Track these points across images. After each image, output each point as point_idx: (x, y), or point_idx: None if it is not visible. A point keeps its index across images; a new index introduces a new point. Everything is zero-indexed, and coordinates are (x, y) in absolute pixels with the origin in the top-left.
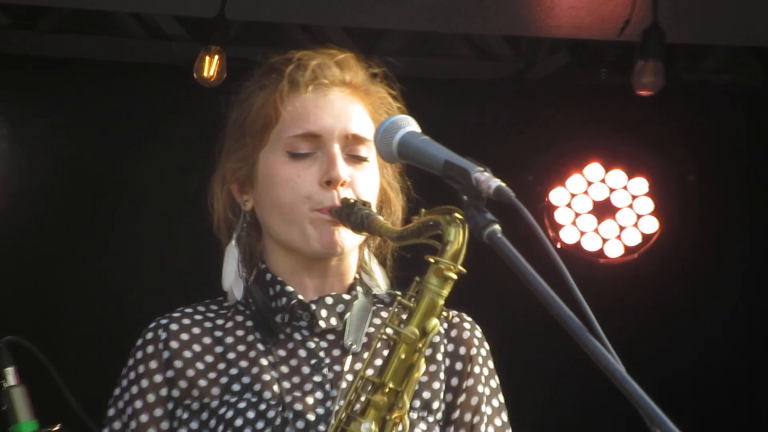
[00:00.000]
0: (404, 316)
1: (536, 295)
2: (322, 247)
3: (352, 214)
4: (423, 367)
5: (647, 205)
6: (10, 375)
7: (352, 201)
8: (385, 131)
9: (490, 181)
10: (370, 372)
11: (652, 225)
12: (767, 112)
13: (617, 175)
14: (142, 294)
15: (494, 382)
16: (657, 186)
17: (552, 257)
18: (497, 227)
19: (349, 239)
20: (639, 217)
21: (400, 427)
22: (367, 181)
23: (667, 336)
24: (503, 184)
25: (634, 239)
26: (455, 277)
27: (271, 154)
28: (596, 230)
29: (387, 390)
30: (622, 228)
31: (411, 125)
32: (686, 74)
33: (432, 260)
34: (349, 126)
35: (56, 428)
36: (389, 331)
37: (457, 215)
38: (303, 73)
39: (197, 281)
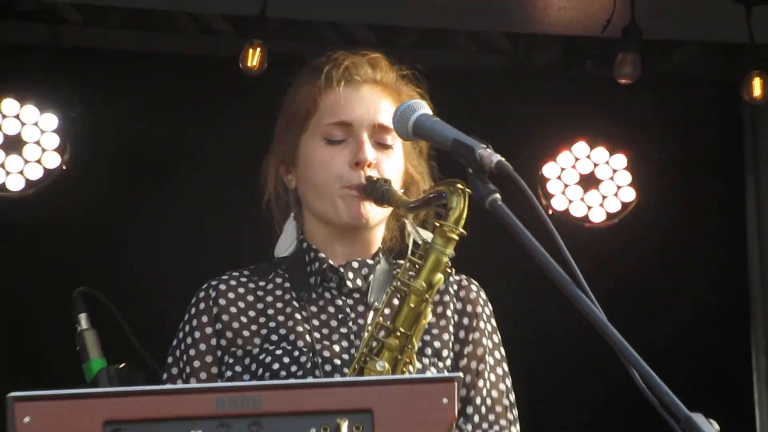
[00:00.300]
0: (413, 273)
1: (530, 254)
2: (350, 219)
3: (375, 190)
4: (429, 315)
5: (626, 177)
6: (83, 320)
7: (375, 178)
8: (402, 113)
9: (491, 156)
10: (384, 318)
11: (629, 195)
12: (729, 98)
13: (600, 152)
14: (195, 258)
15: (496, 337)
16: (634, 161)
17: (544, 222)
18: (497, 196)
19: (373, 213)
20: (619, 188)
21: (410, 367)
22: (391, 165)
23: (645, 292)
24: (503, 159)
25: (614, 207)
26: (457, 238)
27: (309, 139)
28: (582, 199)
29: (398, 334)
30: (604, 197)
31: (424, 108)
32: (660, 65)
33: (437, 224)
34: (377, 117)
35: (122, 366)
36: (401, 282)
37: (459, 186)
38: (338, 71)
39: (243, 248)
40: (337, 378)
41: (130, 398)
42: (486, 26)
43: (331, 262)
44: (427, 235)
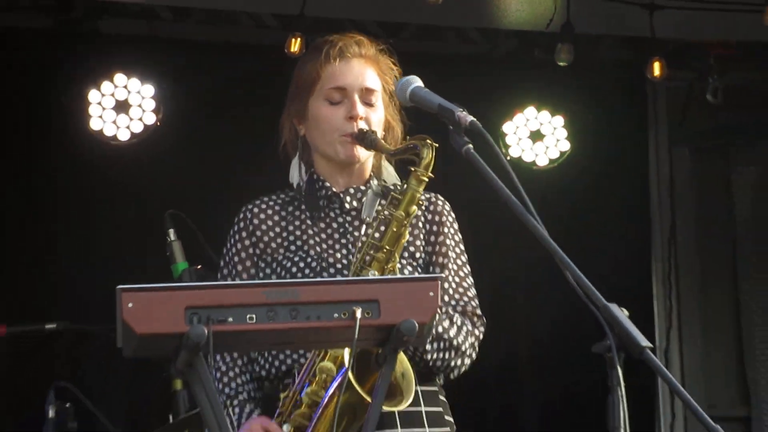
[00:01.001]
0: (394, 204)
1: (492, 188)
2: (346, 158)
3: (364, 138)
4: (408, 235)
5: (563, 133)
6: (171, 233)
7: (365, 130)
8: (402, 85)
9: (466, 117)
10: (375, 237)
11: (566, 146)
12: (637, 77)
13: (544, 115)
14: (252, 191)
15: (458, 238)
16: (569, 121)
17: (504, 165)
18: (471, 146)
19: (363, 154)
20: (558, 140)
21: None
22: (375, 117)
23: (575, 215)
24: (475, 119)
25: (554, 155)
26: (427, 180)
27: (315, 100)
28: (531, 148)
29: (385, 251)
30: (547, 147)
31: (418, 82)
32: (588, 52)
33: (412, 169)
34: (364, 82)
35: (199, 267)
36: (386, 213)
37: (428, 141)
38: (333, 50)
39: (274, 183)
40: (354, 278)
41: (205, 291)
42: (463, 23)
43: (334, 189)
44: (392, 172)
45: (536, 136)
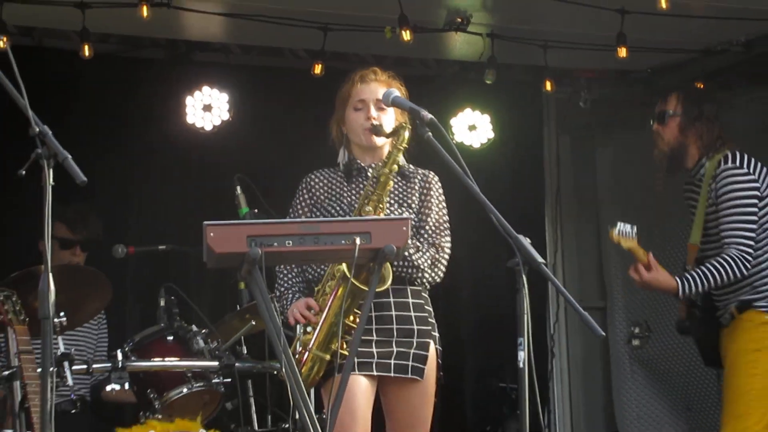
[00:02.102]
0: (383, 165)
1: (445, 161)
2: (367, 143)
3: (377, 129)
4: (391, 184)
5: (488, 125)
6: (238, 188)
7: (377, 125)
8: (386, 94)
9: (427, 115)
10: (371, 187)
11: (491, 134)
12: (537, 90)
13: (477, 114)
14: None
15: (441, 198)
16: (493, 119)
17: (451, 147)
18: (430, 134)
19: (378, 140)
20: (485, 131)
21: (382, 213)
22: (386, 119)
23: (494, 175)
24: (432, 117)
25: (485, 138)
26: (402, 148)
27: (349, 110)
28: (468, 136)
29: (377, 194)
30: (479, 135)
31: (396, 93)
32: (506, 74)
33: (393, 141)
34: (376, 96)
35: (255, 210)
36: (378, 171)
37: (405, 125)
38: (362, 76)
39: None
40: (355, 218)
41: (259, 225)
42: (425, 56)
43: (362, 164)
44: (401, 159)
45: (472, 127)
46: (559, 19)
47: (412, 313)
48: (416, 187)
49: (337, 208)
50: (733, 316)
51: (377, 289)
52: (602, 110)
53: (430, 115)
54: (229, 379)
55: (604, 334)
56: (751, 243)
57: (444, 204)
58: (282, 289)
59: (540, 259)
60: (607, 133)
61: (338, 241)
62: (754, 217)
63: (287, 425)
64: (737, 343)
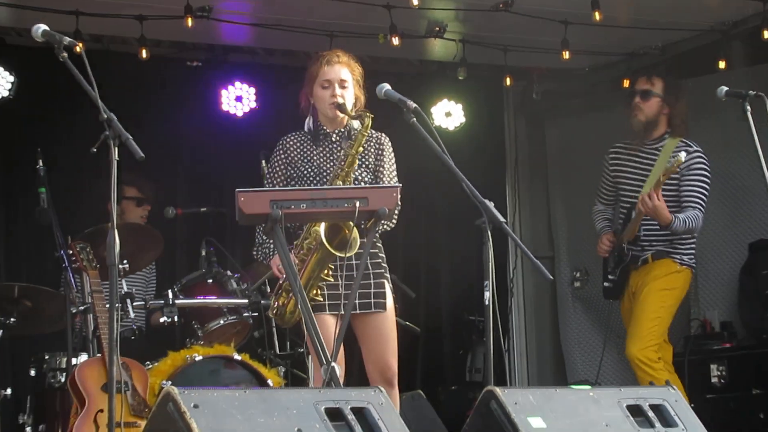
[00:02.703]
0: (351, 146)
1: (426, 142)
2: (333, 116)
3: (340, 107)
4: (357, 161)
5: (461, 113)
6: (263, 161)
7: (340, 102)
8: (379, 87)
9: (412, 104)
10: (341, 164)
11: (462, 119)
12: (500, 86)
13: (452, 104)
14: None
15: (392, 156)
16: (465, 107)
17: (432, 130)
18: (415, 119)
19: (339, 114)
20: (458, 116)
21: (348, 180)
22: (348, 95)
23: (468, 158)
24: (417, 105)
25: (458, 122)
26: (365, 135)
27: (317, 85)
28: (445, 120)
29: (345, 170)
30: (453, 119)
31: (388, 86)
32: (476, 72)
33: (357, 128)
34: (339, 76)
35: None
36: (348, 151)
37: (368, 114)
38: (327, 59)
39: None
40: (355, 185)
41: (280, 192)
42: (411, 57)
43: (327, 130)
44: (356, 124)
45: (447, 114)
46: (516, 29)
47: (369, 261)
48: (372, 150)
49: (308, 167)
50: (647, 261)
51: (348, 254)
52: (550, 100)
53: (414, 104)
54: (256, 313)
55: (552, 277)
56: (703, 213)
57: (394, 161)
58: (263, 237)
59: (501, 219)
60: (554, 117)
61: (342, 204)
62: (707, 193)
63: (301, 349)
64: (652, 282)
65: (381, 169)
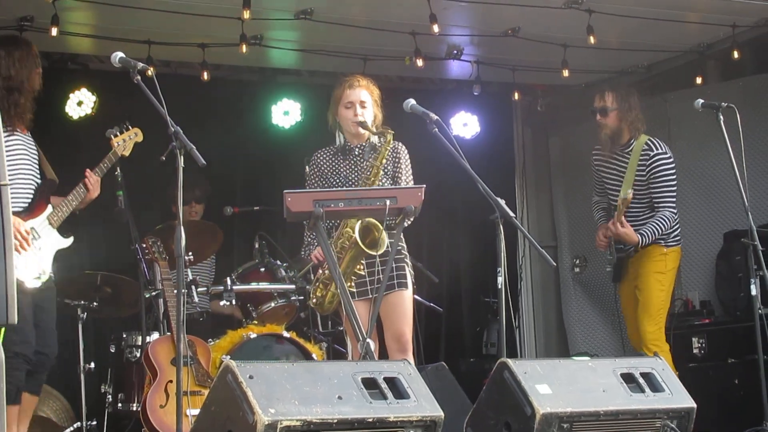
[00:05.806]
0: (375, 158)
1: (447, 149)
2: (355, 132)
3: (363, 124)
4: (382, 171)
5: (477, 123)
6: (307, 167)
7: (362, 121)
8: (406, 102)
9: (435, 116)
10: (367, 175)
11: (478, 129)
12: (508, 98)
13: (468, 115)
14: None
15: (408, 162)
16: (480, 118)
17: (450, 138)
18: (437, 130)
19: (363, 130)
20: (474, 126)
21: (377, 183)
22: (368, 114)
23: (482, 162)
24: (438, 118)
25: (474, 131)
26: (389, 147)
27: (341, 106)
28: (462, 129)
29: (371, 180)
30: (470, 129)
31: (413, 101)
32: (488, 88)
33: (379, 146)
34: (360, 98)
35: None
36: (374, 161)
37: (390, 131)
38: (350, 83)
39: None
40: (385, 187)
41: (322, 192)
42: (432, 75)
43: (351, 146)
44: (375, 139)
45: (467, 124)
46: (522, 51)
47: (390, 249)
48: (390, 159)
49: (336, 179)
50: (637, 249)
51: (377, 252)
52: (552, 112)
53: (436, 116)
54: (302, 297)
55: (555, 264)
56: (675, 206)
57: (410, 165)
58: (309, 239)
59: (511, 214)
60: (556, 127)
61: (374, 202)
62: (675, 188)
63: (341, 328)
64: (646, 267)
65: (399, 174)
